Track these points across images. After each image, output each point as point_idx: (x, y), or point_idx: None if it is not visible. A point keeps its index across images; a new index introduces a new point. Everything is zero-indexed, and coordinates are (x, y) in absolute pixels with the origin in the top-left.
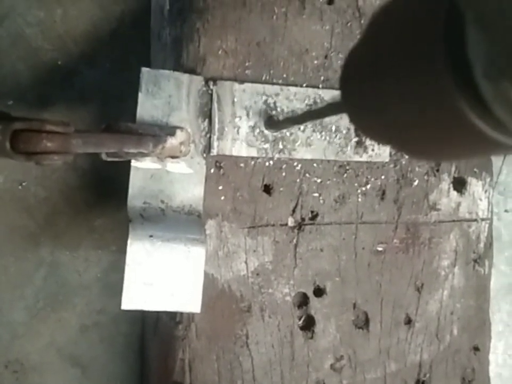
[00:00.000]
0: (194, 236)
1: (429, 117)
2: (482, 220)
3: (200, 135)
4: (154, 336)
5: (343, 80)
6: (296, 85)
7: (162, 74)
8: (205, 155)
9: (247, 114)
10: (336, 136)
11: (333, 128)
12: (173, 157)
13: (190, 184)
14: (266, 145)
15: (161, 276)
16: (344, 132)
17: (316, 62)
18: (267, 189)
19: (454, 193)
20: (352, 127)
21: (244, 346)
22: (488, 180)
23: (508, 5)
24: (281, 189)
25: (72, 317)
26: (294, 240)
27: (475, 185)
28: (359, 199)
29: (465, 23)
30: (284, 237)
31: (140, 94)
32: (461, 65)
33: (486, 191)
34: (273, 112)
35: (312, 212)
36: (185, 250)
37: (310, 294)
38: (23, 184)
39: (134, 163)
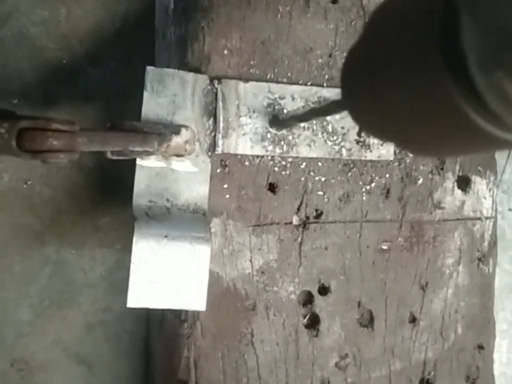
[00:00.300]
0: (199, 234)
1: (426, 111)
2: (487, 218)
3: (205, 134)
4: (159, 334)
5: (343, 78)
6: (300, 84)
7: (167, 73)
8: (210, 153)
9: (252, 113)
10: (340, 134)
11: (337, 126)
12: (178, 156)
13: (195, 182)
14: (271, 144)
15: (166, 274)
16: (348, 130)
17: (320, 60)
18: (272, 188)
19: (458, 192)
20: (355, 125)
21: (249, 344)
22: (492, 178)
23: None
24: (286, 187)
25: (78, 315)
26: (299, 239)
27: (479, 184)
28: (364, 198)
29: (459, 15)
30: (289, 235)
31: (145, 93)
32: (455, 57)
33: (490, 190)
34: (278, 111)
35: (316, 210)
36: (191, 248)
37: (314, 292)
38: (28, 182)
39: (139, 161)
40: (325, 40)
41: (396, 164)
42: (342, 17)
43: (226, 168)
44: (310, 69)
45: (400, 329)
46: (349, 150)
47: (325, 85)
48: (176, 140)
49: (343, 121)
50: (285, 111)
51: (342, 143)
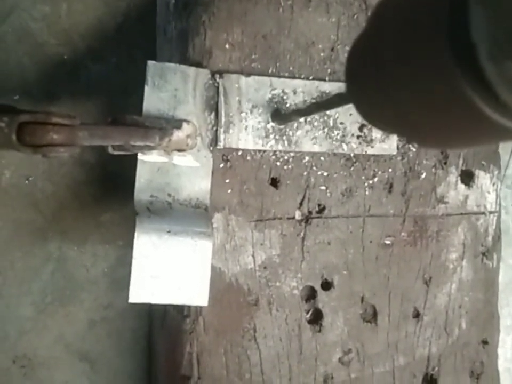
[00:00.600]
0: (201, 229)
1: (435, 104)
2: (490, 212)
3: (207, 128)
4: (162, 330)
5: (348, 70)
6: (302, 78)
7: (169, 68)
8: (211, 148)
9: (254, 107)
10: (342, 128)
11: (340, 120)
12: (179, 150)
13: (197, 177)
14: (273, 138)
15: (168, 269)
16: (350, 124)
17: (322, 54)
18: (274, 182)
19: (461, 186)
20: (359, 119)
21: (252, 339)
22: (496, 172)
23: None
24: (288, 182)
25: (80, 312)
26: (301, 234)
27: (483, 178)
28: (367, 192)
29: (469, 5)
30: (291, 230)
31: (146, 87)
32: (465, 48)
33: (494, 184)
34: (280, 105)
35: (319, 205)
36: (192, 243)
37: (317, 287)
38: (30, 179)
39: (140, 156)
40: (327, 34)
41: (399, 158)
42: (344, 11)
43: (228, 163)
44: (312, 63)
45: (403, 324)
46: (351, 144)
47: (327, 79)
48: (178, 135)
49: (345, 115)
50: (287, 105)
51: (344, 138)
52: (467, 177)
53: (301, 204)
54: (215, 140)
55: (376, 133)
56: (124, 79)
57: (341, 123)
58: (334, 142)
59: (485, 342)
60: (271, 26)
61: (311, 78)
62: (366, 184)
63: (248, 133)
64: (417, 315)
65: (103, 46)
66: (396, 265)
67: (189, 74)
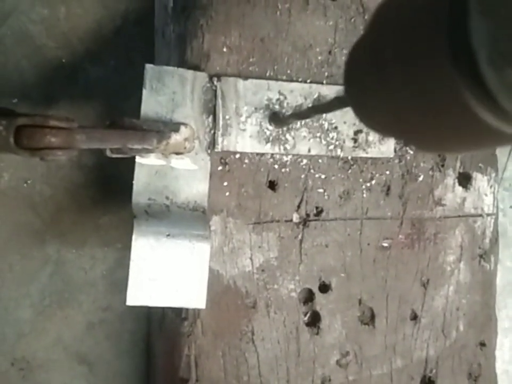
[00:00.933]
0: (199, 232)
1: (435, 109)
2: (488, 215)
3: (205, 132)
4: (160, 332)
5: (347, 74)
6: (300, 81)
7: (167, 71)
8: (209, 151)
9: (251, 111)
10: (339, 132)
11: (337, 124)
12: (177, 153)
13: (195, 180)
14: (271, 141)
15: (166, 272)
16: (347, 127)
17: (319, 57)
18: (272, 185)
19: (459, 189)
20: (356, 122)
21: (250, 342)
22: (493, 175)
23: None
24: (286, 184)
25: (78, 314)
26: (299, 236)
27: (480, 181)
28: (364, 195)
29: (468, 11)
30: (289, 233)
31: (144, 91)
32: (465, 53)
33: (491, 186)
34: (278, 108)
35: (317, 207)
36: (190, 246)
37: (315, 290)
38: (28, 182)
39: (138, 159)
40: (325, 37)
41: (396, 161)
42: (341, 14)
43: (226, 166)
44: (310, 66)
45: (401, 326)
46: (348, 147)
47: (324, 82)
48: (176, 138)
49: (342, 118)
50: (285, 108)
51: (341, 141)
52: (464, 180)
53: (298, 206)
54: (213, 143)
55: (373, 136)
56: (122, 82)
57: (338, 126)
58: (331, 145)
59: (482, 344)
60: (269, 30)
61: (308, 81)
62: (363, 186)
63: (246, 136)
64: (415, 317)
65: (102, 49)
66: (394, 267)
67: (187, 77)
